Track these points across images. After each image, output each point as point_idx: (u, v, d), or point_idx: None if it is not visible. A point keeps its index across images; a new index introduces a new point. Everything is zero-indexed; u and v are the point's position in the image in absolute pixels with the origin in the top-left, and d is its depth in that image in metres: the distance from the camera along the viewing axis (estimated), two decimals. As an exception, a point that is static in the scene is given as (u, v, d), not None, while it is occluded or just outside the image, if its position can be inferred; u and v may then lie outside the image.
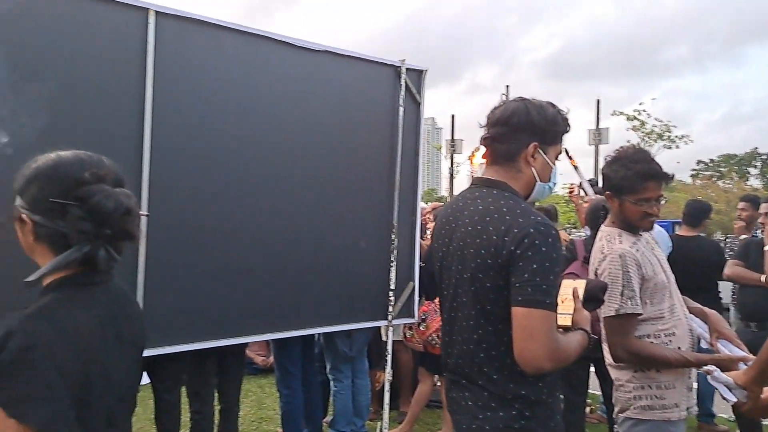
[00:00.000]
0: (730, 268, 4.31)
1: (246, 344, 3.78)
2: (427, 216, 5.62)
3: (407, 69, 3.88)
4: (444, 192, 34.40)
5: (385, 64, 3.83)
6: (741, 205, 5.30)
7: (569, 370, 3.96)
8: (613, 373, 2.33)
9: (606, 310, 2.19)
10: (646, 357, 2.20)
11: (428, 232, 5.53)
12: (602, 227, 2.43)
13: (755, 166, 48.63)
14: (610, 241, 2.30)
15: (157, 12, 2.84)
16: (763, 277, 4.00)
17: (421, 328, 4.40)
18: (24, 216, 1.26)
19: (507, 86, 24.69)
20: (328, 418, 4.34)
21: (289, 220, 3.40)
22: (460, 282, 1.72)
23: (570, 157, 6.61)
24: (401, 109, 3.85)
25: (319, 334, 4.09)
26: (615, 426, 2.40)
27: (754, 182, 44.66)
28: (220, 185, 3.12)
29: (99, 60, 2.71)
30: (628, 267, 2.19)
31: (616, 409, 2.34)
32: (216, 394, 3.57)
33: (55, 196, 1.22)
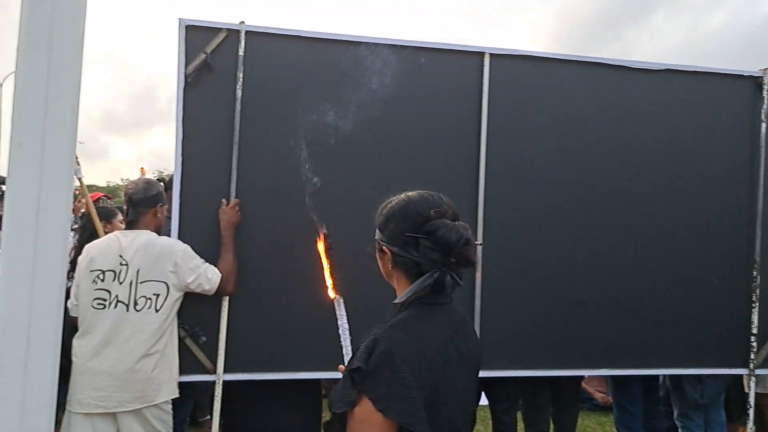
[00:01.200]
0: None
1: (582, 377, 3.73)
2: None
3: (772, 78, 3.41)
4: None
5: (741, 75, 3.43)
6: None
7: None
8: None
9: None
10: None
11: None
12: None
13: None
14: None
15: (491, 54, 3.13)
16: None
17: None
18: (384, 247, 1.53)
19: None
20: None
21: (627, 252, 3.29)
22: None
23: None
24: (764, 126, 3.39)
25: (663, 375, 3.80)
26: None
27: None
28: (554, 216, 3.20)
29: (439, 102, 3.08)
30: None
31: None
32: (552, 424, 3.61)
33: (408, 231, 1.47)
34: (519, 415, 3.61)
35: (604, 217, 3.27)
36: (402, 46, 3.04)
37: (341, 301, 2.09)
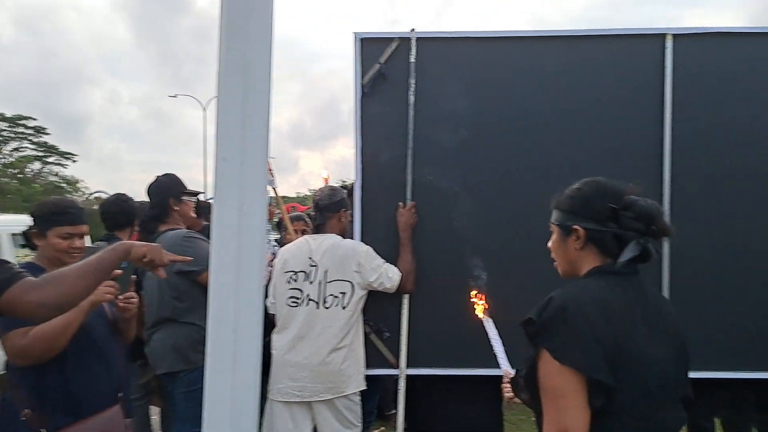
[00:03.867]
0: None
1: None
2: None
3: None
4: None
5: None
6: None
7: None
8: None
9: None
10: None
11: None
12: None
13: None
14: None
15: (674, 35, 2.90)
16: None
17: None
18: (576, 226, 1.57)
19: None
20: None
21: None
22: None
23: None
24: None
25: None
26: None
27: None
28: (754, 201, 2.90)
29: (620, 90, 2.93)
30: None
31: None
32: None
33: (610, 204, 1.53)
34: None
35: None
36: (574, 36, 2.95)
37: (491, 321, 2.12)
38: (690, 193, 2.89)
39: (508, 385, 1.77)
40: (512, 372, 1.85)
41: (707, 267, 2.89)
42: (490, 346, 2.06)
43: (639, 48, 2.93)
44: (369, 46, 3.00)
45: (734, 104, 2.91)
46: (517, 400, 1.68)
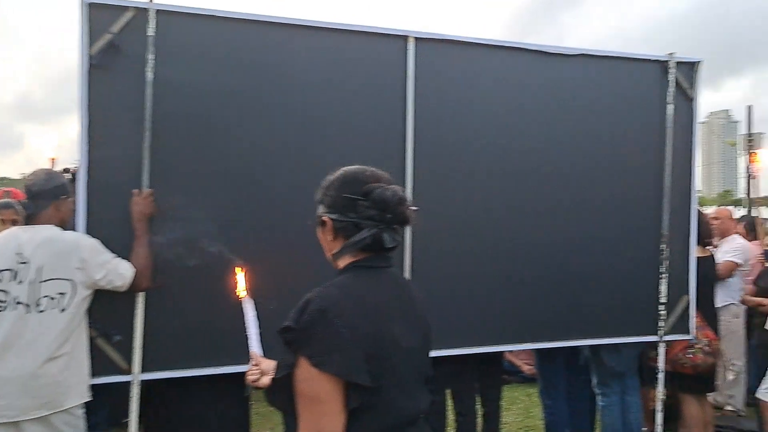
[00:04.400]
0: None
1: (501, 352, 3.83)
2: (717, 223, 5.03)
3: (677, 63, 3.56)
4: (741, 194, 30.00)
5: (650, 60, 3.57)
6: None
7: None
8: None
9: None
10: None
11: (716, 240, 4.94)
12: None
13: None
14: None
15: (416, 38, 3.09)
16: None
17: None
18: (324, 217, 1.56)
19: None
20: (597, 434, 4.16)
21: (551, 229, 3.38)
22: None
23: None
24: (669, 108, 3.54)
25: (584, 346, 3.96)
26: None
27: None
28: (483, 195, 3.24)
29: (362, 88, 3.03)
30: None
31: None
32: (479, 399, 3.69)
33: (346, 194, 1.52)
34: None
35: (530, 197, 3.34)
36: (321, 28, 2.97)
37: (251, 302, 2.02)
38: (430, 188, 3.11)
39: (255, 369, 1.73)
40: (261, 356, 1.78)
41: (441, 254, 3.15)
42: (245, 330, 1.95)
43: (383, 47, 3.06)
44: (98, 13, 2.64)
45: (470, 108, 3.21)
46: (260, 384, 1.67)
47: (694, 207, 3.71)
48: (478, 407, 3.77)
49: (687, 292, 3.64)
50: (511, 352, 4.33)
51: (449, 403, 3.73)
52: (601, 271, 3.48)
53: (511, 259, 3.29)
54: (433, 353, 3.03)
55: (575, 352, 3.94)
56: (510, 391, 5.43)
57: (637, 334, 3.62)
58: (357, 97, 3.02)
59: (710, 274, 4.22)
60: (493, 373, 3.69)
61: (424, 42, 3.11)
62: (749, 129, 18.02)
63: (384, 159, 2.99)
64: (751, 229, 5.77)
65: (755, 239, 5.64)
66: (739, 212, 11.46)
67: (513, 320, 3.31)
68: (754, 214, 6.34)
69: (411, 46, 3.08)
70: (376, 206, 1.50)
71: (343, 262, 1.56)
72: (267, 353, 1.78)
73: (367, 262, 1.54)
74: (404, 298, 1.57)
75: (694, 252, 3.69)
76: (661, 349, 3.62)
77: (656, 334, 3.58)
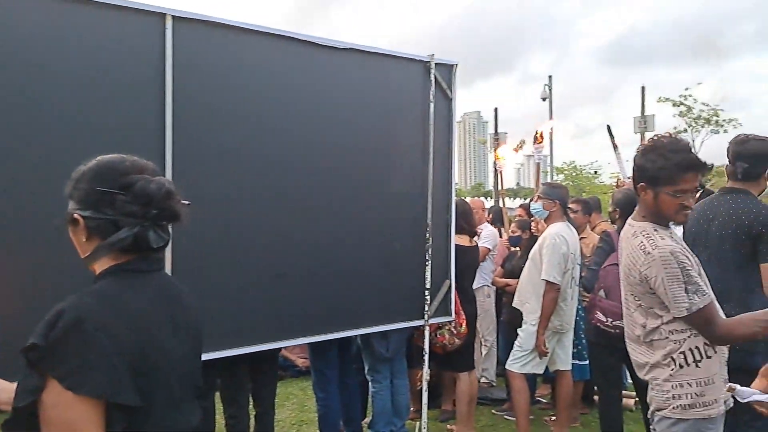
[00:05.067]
0: None
1: (278, 348, 3.77)
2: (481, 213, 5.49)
3: (437, 64, 3.80)
4: (491, 186, 33.92)
5: (414, 59, 3.76)
6: None
7: (604, 362, 3.84)
8: (648, 373, 2.23)
9: (678, 312, 2.11)
10: (739, 338, 2.19)
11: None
12: (632, 222, 2.31)
13: None
14: (649, 238, 2.17)
15: (174, 17, 2.84)
16: None
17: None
18: (76, 215, 1.34)
19: (550, 77, 23.95)
20: (368, 420, 4.31)
21: (320, 223, 3.38)
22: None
23: (614, 142, 6.41)
24: (432, 106, 3.77)
25: (355, 336, 4.07)
26: (651, 425, 2.28)
27: None
28: (248, 189, 3.11)
29: (118, 67, 2.72)
30: (683, 262, 2.12)
31: (651, 408, 2.25)
32: (251, 399, 3.58)
33: (101, 187, 1.31)
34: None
35: (297, 191, 3.29)
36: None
37: None
38: (192, 181, 2.88)
39: None
40: None
41: (205, 249, 2.97)
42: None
43: (137, 25, 2.76)
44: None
45: (234, 97, 3.05)
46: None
47: (453, 198, 4.02)
48: (251, 407, 3.66)
49: (449, 277, 3.93)
50: (280, 350, 4.29)
51: (219, 406, 3.57)
52: (371, 262, 3.59)
53: (280, 255, 3.23)
54: (203, 356, 2.89)
55: (348, 342, 4.03)
56: (284, 386, 5.39)
57: (406, 320, 3.81)
58: (107, 79, 2.68)
59: (473, 262, 4.61)
60: (266, 371, 3.60)
61: (183, 21, 2.87)
62: (496, 129, 20.49)
63: (139, 150, 2.70)
64: (497, 217, 6.48)
65: (502, 227, 6.35)
66: (490, 202, 12.89)
67: (285, 316, 3.25)
68: (501, 204, 7.13)
69: (169, 24, 2.82)
70: (138, 201, 1.31)
71: (100, 267, 1.36)
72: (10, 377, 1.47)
73: (130, 265, 1.36)
74: (174, 304, 1.42)
75: (453, 239, 3.99)
76: (426, 332, 3.87)
77: (423, 318, 3.81)
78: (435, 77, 3.77)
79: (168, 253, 2.80)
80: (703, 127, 26.81)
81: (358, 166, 3.53)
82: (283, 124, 3.23)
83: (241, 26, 3.07)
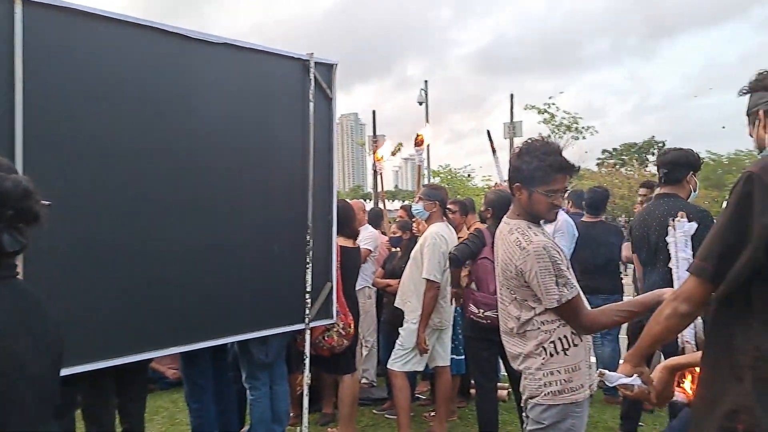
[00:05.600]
0: (626, 249, 4.52)
1: (148, 360, 3.53)
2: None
3: (316, 63, 3.74)
4: (369, 189, 34.37)
5: (292, 57, 3.67)
6: (641, 190, 5.54)
7: (480, 355, 3.98)
8: (522, 363, 2.33)
9: (549, 303, 2.24)
10: (602, 327, 2.40)
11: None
12: (507, 220, 2.45)
13: (653, 153, 52.50)
14: (524, 235, 2.32)
15: (24, 1, 2.56)
16: None
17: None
18: None
19: (426, 81, 24.74)
20: (246, 428, 4.16)
21: (193, 223, 3.20)
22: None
23: (493, 147, 6.71)
24: (311, 105, 3.71)
25: (231, 342, 3.91)
26: (524, 413, 2.39)
27: (653, 168, 48.37)
28: (110, 187, 2.88)
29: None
30: (554, 257, 2.25)
31: (524, 396, 2.37)
32: (118, 415, 3.32)
33: None
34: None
35: (167, 189, 3.10)
36: None
37: None
38: (47, 180, 2.60)
39: None
40: None
41: (62, 257, 2.71)
42: None
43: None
44: None
45: (94, 90, 2.80)
46: None
47: (335, 199, 3.97)
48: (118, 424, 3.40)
49: (330, 279, 3.88)
50: (150, 361, 4.01)
51: (81, 424, 3.28)
52: (249, 265, 3.46)
53: (148, 258, 3.01)
54: (63, 371, 2.63)
55: (222, 350, 3.87)
56: (153, 399, 5.07)
57: (286, 324, 3.71)
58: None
59: (356, 264, 4.60)
60: (134, 385, 3.36)
61: (34, 5, 2.59)
62: (374, 131, 20.77)
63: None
64: (377, 219, 6.53)
65: (381, 228, 6.41)
66: (369, 205, 13.01)
67: (155, 324, 3.05)
68: (381, 206, 7.21)
69: (18, 9, 2.53)
70: None
71: None
72: None
73: None
74: (32, 314, 1.29)
75: (335, 240, 3.95)
76: (307, 336, 3.79)
77: (303, 321, 3.73)
78: (315, 76, 3.71)
79: (19, 260, 2.52)
80: (565, 133, 29.01)
81: (234, 166, 3.38)
82: (151, 118, 3.03)
83: (100, 14, 2.81)
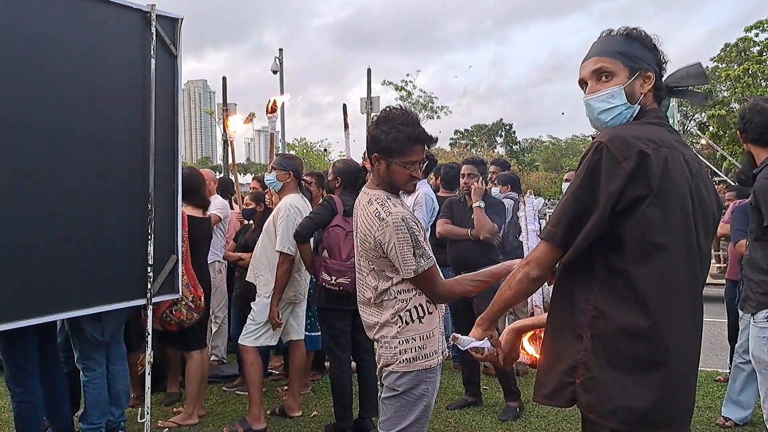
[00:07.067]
0: (441, 225, 4.68)
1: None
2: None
3: (158, 16, 3.44)
4: (219, 161, 33.01)
5: (131, 7, 3.34)
6: (492, 168, 5.80)
7: (334, 326, 3.98)
8: (378, 332, 2.35)
9: (406, 274, 2.25)
10: (457, 295, 2.44)
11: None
12: (366, 190, 2.42)
13: (501, 135, 56.31)
14: (383, 205, 2.29)
15: None
16: (469, 231, 4.42)
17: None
18: None
19: (281, 49, 24.03)
20: (80, 412, 3.82)
21: (15, 189, 2.84)
22: None
23: (346, 121, 6.67)
24: (153, 62, 3.41)
25: (62, 320, 3.54)
26: (379, 381, 2.41)
27: (500, 149, 51.97)
28: None
29: None
30: (413, 228, 2.25)
31: (380, 364, 2.38)
32: None
33: None
34: None
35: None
36: None
37: None
38: None
39: None
40: None
41: None
42: None
43: None
44: None
45: None
46: None
47: (180, 166, 3.71)
48: None
49: (175, 252, 3.64)
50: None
51: None
52: (81, 236, 3.16)
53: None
54: None
55: (49, 329, 3.49)
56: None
57: (125, 300, 3.43)
58: None
59: (207, 234, 4.35)
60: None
61: None
62: (225, 99, 19.81)
63: None
64: (227, 189, 6.25)
65: (232, 198, 6.15)
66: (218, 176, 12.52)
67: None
68: (231, 177, 6.91)
69: None
70: None
71: None
72: None
73: None
74: None
75: (180, 210, 3.71)
76: (150, 312, 3.53)
77: (145, 296, 3.47)
78: (157, 30, 3.41)
79: None
80: (420, 112, 29.93)
81: (63, 126, 3.04)
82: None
83: None
